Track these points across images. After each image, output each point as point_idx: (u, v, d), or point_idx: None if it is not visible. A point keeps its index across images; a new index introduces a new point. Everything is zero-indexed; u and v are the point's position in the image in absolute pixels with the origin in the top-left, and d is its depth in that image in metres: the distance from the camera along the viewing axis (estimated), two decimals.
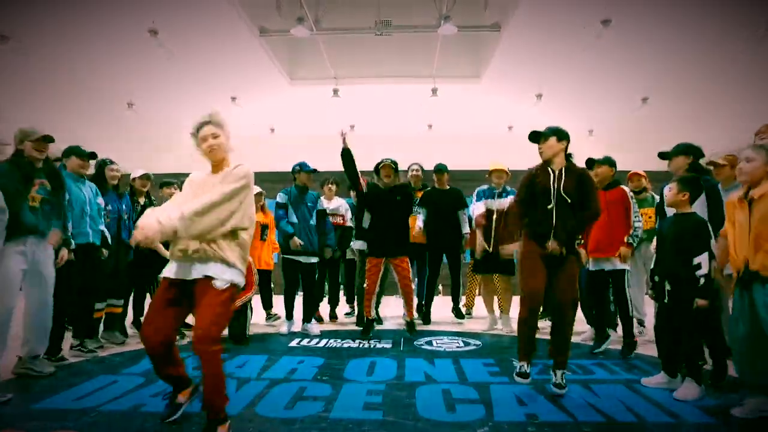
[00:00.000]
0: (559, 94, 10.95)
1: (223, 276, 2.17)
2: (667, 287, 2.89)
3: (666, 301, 2.90)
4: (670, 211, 3.16)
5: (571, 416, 2.46)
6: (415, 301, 5.97)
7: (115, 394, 2.81)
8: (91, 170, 4.09)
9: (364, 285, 4.63)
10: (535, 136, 3.03)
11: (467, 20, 9.15)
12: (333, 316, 5.72)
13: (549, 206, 2.86)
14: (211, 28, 8.86)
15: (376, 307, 4.96)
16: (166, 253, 3.71)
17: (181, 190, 4.38)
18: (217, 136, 2.36)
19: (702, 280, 2.71)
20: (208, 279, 2.16)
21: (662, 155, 3.49)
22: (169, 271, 2.28)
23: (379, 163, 4.65)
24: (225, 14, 8.47)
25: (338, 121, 12.52)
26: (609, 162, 4.04)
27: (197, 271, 2.19)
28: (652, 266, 3.05)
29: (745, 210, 2.46)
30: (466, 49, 10.64)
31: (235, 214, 2.21)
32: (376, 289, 4.52)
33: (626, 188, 4.02)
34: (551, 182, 2.90)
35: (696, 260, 2.71)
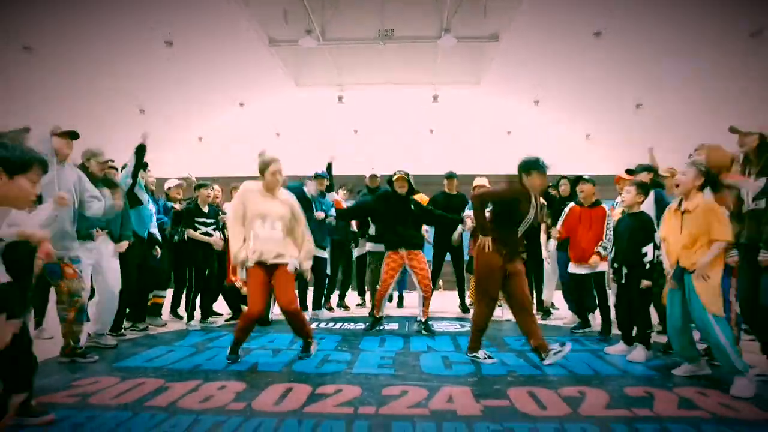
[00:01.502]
0: (556, 99, 11.47)
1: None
2: (624, 271, 3.54)
3: (623, 282, 3.55)
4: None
5: (542, 371, 3.13)
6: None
7: (176, 358, 3.48)
8: None
9: (378, 285, 4.76)
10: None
11: (467, 31, 9.66)
12: (342, 305, 6.28)
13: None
14: (222, 38, 9.44)
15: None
16: (212, 240, 4.45)
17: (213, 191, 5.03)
18: (281, 172, 3.44)
19: (647, 266, 3.39)
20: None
21: (629, 171, 4.16)
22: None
23: (392, 175, 4.67)
24: (236, 25, 9.05)
25: (343, 126, 13.10)
26: (592, 182, 4.61)
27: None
28: (611, 257, 3.72)
29: (678, 219, 3.01)
30: (465, 57, 11.02)
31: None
32: (389, 290, 4.62)
33: (606, 207, 4.55)
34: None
35: (644, 250, 3.39)
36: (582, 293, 4.67)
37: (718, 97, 10.17)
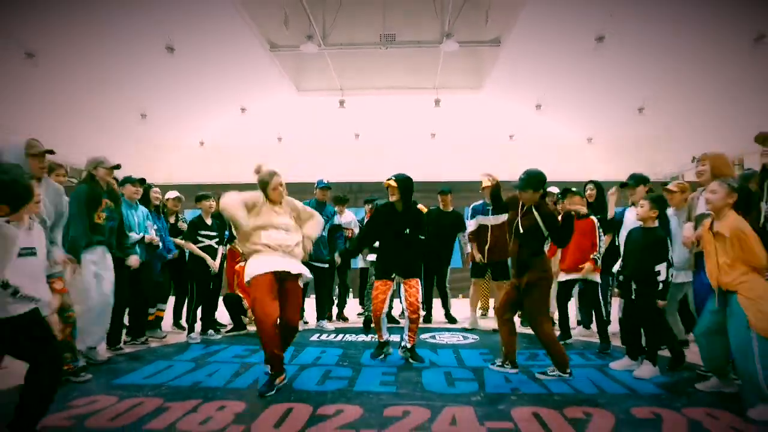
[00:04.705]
0: (558, 104, 11.41)
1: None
2: (634, 286, 3.48)
3: (633, 298, 3.48)
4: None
5: (547, 389, 3.08)
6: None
7: (176, 374, 3.44)
8: None
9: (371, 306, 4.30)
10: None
11: (468, 36, 9.64)
12: (342, 317, 6.19)
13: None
14: (224, 44, 9.38)
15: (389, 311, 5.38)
16: (213, 264, 4.40)
17: (217, 202, 5.02)
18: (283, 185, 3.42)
19: (661, 285, 3.34)
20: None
21: (624, 185, 4.16)
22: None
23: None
24: (238, 31, 9.02)
25: (344, 131, 13.11)
26: (580, 193, 4.58)
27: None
28: (617, 269, 3.65)
29: (711, 240, 2.92)
30: (467, 62, 10.99)
31: None
32: (384, 311, 3.91)
33: (595, 219, 4.49)
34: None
35: (657, 268, 3.33)
36: (565, 302, 4.63)
37: (722, 102, 10.16)
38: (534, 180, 3.43)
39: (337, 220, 5.77)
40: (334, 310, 6.26)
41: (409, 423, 2.49)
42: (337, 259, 5.68)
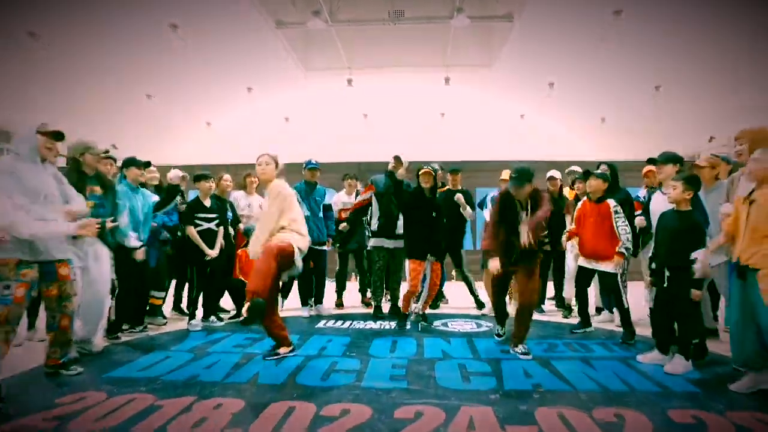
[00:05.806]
0: (571, 82, 11.05)
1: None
2: (667, 274, 3.19)
3: (665, 286, 3.19)
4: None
5: (571, 386, 2.83)
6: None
7: (172, 366, 3.23)
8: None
9: (379, 282, 5.14)
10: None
11: (480, 11, 9.32)
12: (365, 303, 5.88)
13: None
14: (228, 22, 9.16)
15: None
16: (210, 252, 4.21)
17: (215, 182, 4.76)
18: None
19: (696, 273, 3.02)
20: None
21: (652, 161, 3.78)
22: None
23: (418, 169, 4.53)
24: (242, 8, 8.78)
25: (352, 110, 12.86)
26: (603, 177, 4.22)
27: None
28: (649, 255, 3.36)
29: (746, 208, 2.73)
30: (478, 39, 10.76)
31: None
32: (418, 291, 4.46)
33: (611, 203, 4.10)
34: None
35: (693, 255, 3.02)
36: (585, 287, 4.33)
37: (744, 82, 9.79)
38: (528, 174, 3.53)
39: (329, 200, 5.47)
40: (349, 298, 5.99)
41: (422, 427, 2.26)
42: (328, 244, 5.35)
